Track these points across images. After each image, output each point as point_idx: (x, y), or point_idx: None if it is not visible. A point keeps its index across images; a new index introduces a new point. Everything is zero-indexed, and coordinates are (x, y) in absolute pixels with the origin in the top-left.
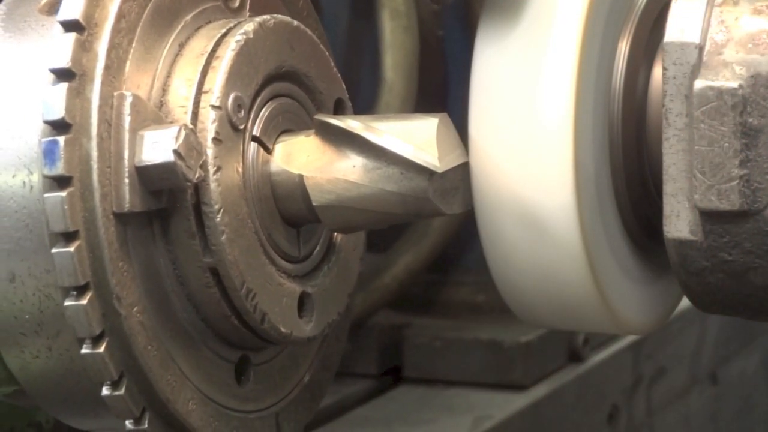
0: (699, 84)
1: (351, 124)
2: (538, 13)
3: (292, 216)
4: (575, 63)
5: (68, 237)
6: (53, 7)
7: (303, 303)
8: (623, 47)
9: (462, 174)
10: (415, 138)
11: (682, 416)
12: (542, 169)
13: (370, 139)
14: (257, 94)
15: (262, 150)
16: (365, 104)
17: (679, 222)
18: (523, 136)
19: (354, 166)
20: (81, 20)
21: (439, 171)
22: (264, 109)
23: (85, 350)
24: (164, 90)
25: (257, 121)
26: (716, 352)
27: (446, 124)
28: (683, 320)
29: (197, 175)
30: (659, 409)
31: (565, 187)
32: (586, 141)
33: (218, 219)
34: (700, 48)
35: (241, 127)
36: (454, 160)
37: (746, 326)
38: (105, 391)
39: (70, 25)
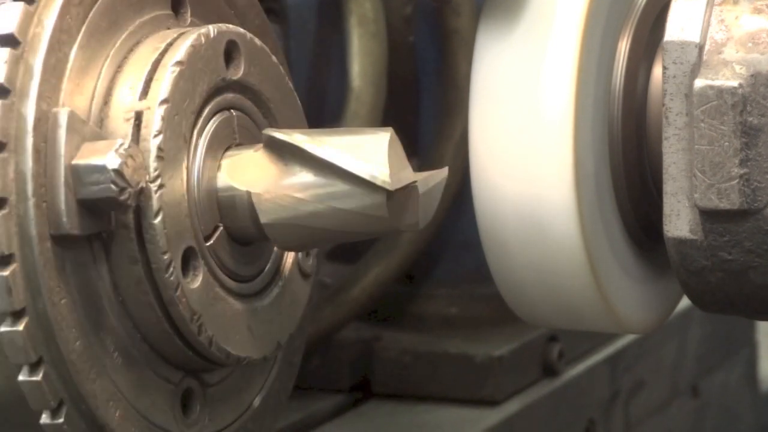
0: (699, 83)
1: (299, 138)
2: (538, 12)
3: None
4: (575, 62)
5: (3, 261)
6: None
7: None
8: (623, 46)
9: (411, 193)
10: (366, 153)
11: (662, 430)
12: (542, 168)
13: (320, 154)
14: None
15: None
16: (333, 113)
17: (679, 221)
18: (524, 135)
19: (303, 183)
20: (16, 34)
21: (391, 188)
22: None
23: (22, 377)
24: (104, 106)
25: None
26: (697, 364)
27: (395, 140)
28: (663, 332)
29: (138, 196)
30: (638, 423)
31: (565, 186)
32: (586, 140)
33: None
34: (700, 47)
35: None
36: (404, 178)
37: (728, 337)
38: (44, 419)
39: (4, 40)
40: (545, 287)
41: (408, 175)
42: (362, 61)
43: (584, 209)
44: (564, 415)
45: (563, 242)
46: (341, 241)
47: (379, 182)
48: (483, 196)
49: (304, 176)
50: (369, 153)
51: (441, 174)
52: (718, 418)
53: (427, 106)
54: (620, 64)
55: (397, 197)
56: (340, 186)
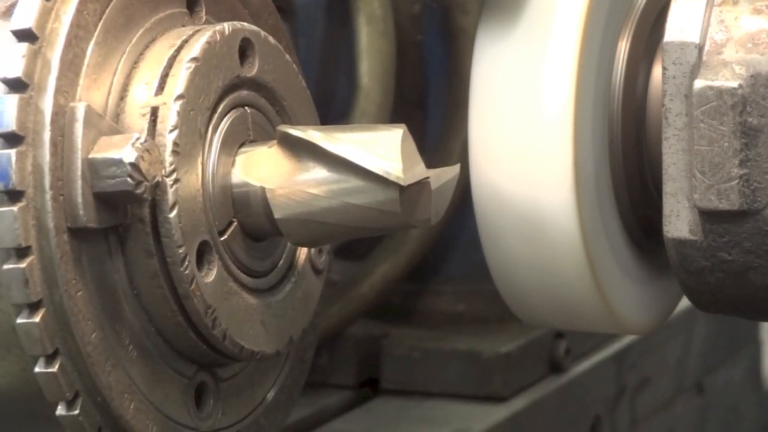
0: (698, 84)
1: (313, 135)
2: (538, 12)
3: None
4: (575, 63)
5: (20, 253)
6: (10, 10)
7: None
8: (623, 47)
9: (424, 188)
10: (380, 149)
11: (667, 427)
12: (542, 169)
13: (333, 150)
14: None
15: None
16: (341, 111)
17: (678, 221)
18: (523, 135)
19: (317, 179)
20: (34, 29)
21: (404, 184)
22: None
23: (38, 369)
24: (121, 100)
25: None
26: (702, 362)
27: (408, 136)
28: (668, 330)
29: (154, 189)
30: (643, 419)
31: (564, 187)
32: (585, 141)
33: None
34: (700, 48)
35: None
36: (417, 174)
37: (732, 335)
38: (60, 410)
39: (22, 35)
40: (545, 288)
41: (421, 171)
42: (371, 59)
43: (584, 210)
44: (570, 412)
45: (563, 243)
46: (354, 237)
47: (392, 178)
48: (483, 197)
49: (318, 172)
50: (382, 149)
51: (453, 170)
52: (723, 415)
53: (434, 103)
54: (620, 65)
55: (410, 193)
56: (353, 182)
